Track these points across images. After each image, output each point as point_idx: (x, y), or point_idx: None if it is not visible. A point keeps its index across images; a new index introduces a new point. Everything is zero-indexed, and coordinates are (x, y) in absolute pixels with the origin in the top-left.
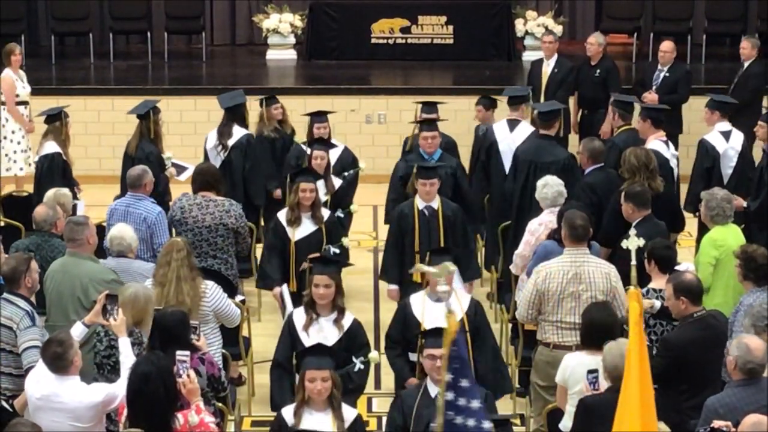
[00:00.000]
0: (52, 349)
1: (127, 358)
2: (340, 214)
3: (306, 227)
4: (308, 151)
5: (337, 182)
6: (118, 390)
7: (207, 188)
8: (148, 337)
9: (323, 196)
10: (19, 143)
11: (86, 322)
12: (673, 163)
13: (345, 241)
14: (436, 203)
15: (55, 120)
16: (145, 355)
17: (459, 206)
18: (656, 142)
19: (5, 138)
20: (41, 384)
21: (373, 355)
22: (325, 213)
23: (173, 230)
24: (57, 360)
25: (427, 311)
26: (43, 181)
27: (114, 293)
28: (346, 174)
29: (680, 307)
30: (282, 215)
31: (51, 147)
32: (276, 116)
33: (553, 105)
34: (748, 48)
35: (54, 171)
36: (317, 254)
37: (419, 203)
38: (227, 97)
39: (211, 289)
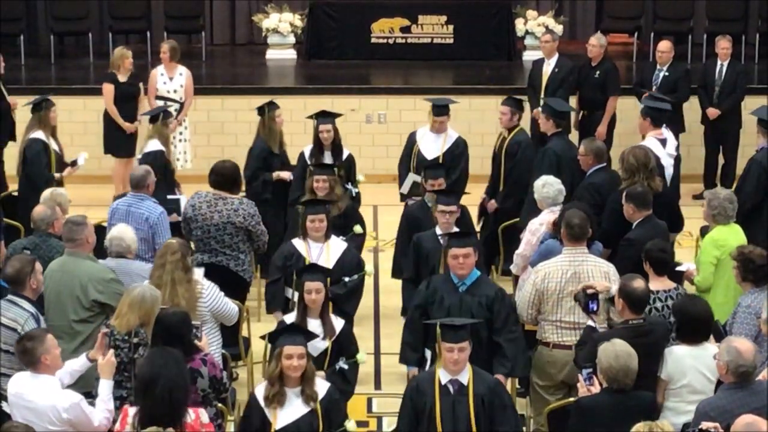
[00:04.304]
0: (22, 343)
1: (101, 401)
2: (343, 365)
3: (293, 409)
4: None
5: (338, 324)
6: (92, 411)
7: (220, 187)
8: (150, 337)
9: (321, 343)
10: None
11: (90, 357)
12: (666, 162)
13: (349, 425)
14: (465, 376)
15: (155, 120)
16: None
17: (497, 381)
18: (651, 140)
19: (180, 134)
20: (21, 382)
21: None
22: (321, 387)
23: (183, 228)
24: (24, 354)
25: None
26: None
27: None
28: (347, 279)
29: (618, 306)
30: (260, 391)
31: (154, 145)
32: (319, 189)
33: (564, 104)
34: (728, 47)
35: (156, 169)
36: None
37: (442, 376)
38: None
39: (208, 290)
